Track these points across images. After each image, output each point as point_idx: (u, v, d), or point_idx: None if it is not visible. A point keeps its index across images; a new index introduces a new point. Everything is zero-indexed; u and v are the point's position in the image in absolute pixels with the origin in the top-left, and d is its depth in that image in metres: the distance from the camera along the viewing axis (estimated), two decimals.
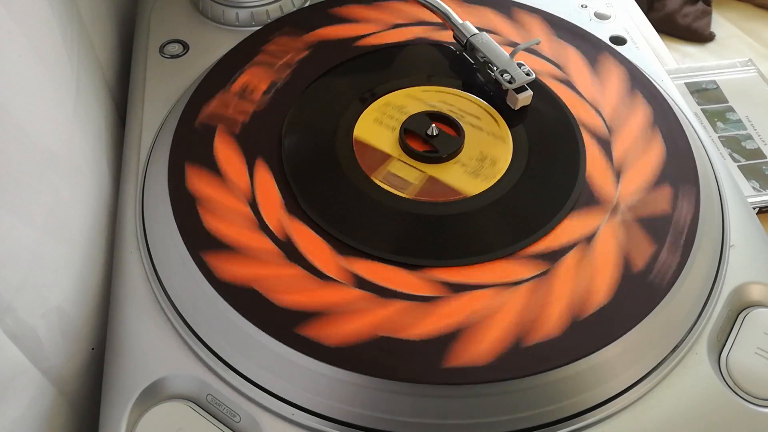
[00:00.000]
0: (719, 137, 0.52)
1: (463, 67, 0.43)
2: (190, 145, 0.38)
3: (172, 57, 0.45)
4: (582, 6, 0.49)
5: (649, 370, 0.31)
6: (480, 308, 0.31)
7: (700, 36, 0.67)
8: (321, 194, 0.36)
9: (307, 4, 0.49)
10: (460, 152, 0.38)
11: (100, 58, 0.43)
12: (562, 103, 0.40)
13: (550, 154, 0.38)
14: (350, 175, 0.37)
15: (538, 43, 0.43)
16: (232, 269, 0.32)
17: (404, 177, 0.37)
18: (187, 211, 0.35)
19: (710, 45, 0.67)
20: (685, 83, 0.56)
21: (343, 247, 0.34)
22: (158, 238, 0.35)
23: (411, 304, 0.31)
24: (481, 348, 0.30)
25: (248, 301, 0.31)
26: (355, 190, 0.36)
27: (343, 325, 0.30)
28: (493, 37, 0.42)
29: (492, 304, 0.31)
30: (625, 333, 0.30)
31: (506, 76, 0.40)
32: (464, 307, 0.31)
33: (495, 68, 0.40)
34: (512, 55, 0.41)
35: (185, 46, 0.45)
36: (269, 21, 0.47)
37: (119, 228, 0.36)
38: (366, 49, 0.44)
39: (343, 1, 0.47)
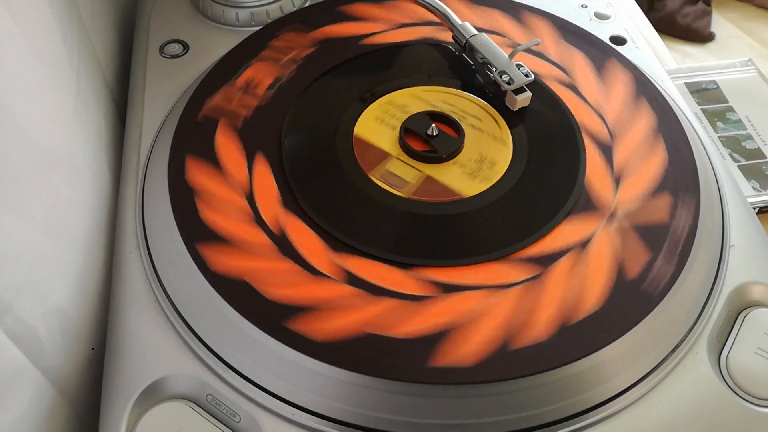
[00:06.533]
0: (719, 137, 0.52)
1: (464, 67, 0.43)
2: (190, 145, 0.38)
3: (172, 57, 0.45)
4: (582, 6, 0.49)
5: (649, 370, 0.31)
6: (479, 308, 0.31)
7: (700, 36, 0.67)
8: (318, 190, 0.36)
9: (307, 4, 0.49)
10: (459, 153, 0.38)
11: (100, 58, 0.43)
12: (563, 105, 0.40)
13: (550, 157, 0.38)
14: (348, 173, 0.37)
15: (537, 44, 0.43)
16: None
17: (402, 176, 0.37)
18: (186, 211, 0.35)
19: (710, 45, 0.67)
20: (685, 83, 0.56)
21: (337, 243, 0.34)
22: (158, 238, 0.35)
23: (407, 302, 0.31)
24: (480, 348, 0.30)
25: (249, 301, 0.31)
26: (351, 187, 0.36)
27: (344, 325, 0.31)
28: (497, 39, 0.42)
29: (492, 304, 0.31)
30: (625, 333, 0.30)
31: (505, 77, 0.40)
32: (464, 306, 0.31)
33: (494, 69, 0.40)
34: (511, 56, 0.41)
35: (185, 46, 0.45)
36: (269, 21, 0.47)
37: (119, 228, 0.36)
38: (369, 48, 0.44)
39: (345, 1, 0.47)
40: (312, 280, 0.32)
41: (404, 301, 0.32)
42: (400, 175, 0.37)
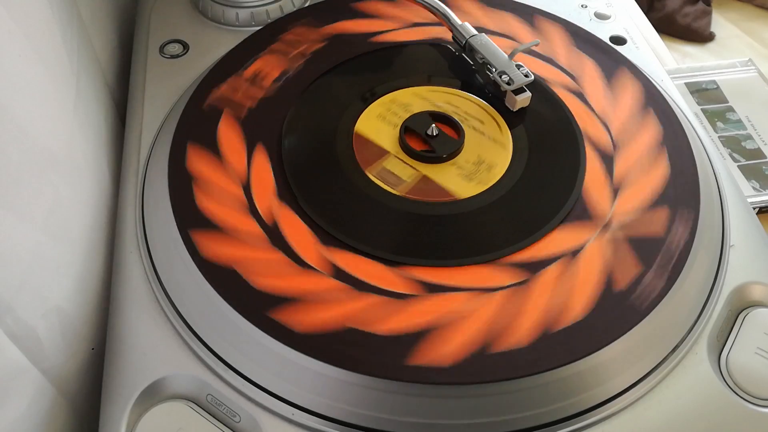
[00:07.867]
0: (719, 137, 0.52)
1: (465, 67, 0.43)
2: (191, 146, 0.38)
3: (172, 57, 0.45)
4: (582, 6, 0.49)
5: (649, 370, 0.31)
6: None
7: (700, 36, 0.67)
8: (314, 184, 0.36)
9: (306, 4, 0.49)
10: (458, 154, 0.38)
11: (100, 58, 0.43)
12: (564, 107, 0.40)
13: (549, 163, 0.38)
14: (345, 168, 0.37)
15: (537, 44, 0.43)
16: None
17: (398, 174, 0.37)
18: (187, 212, 0.35)
19: (710, 45, 0.67)
20: (685, 83, 0.56)
21: (329, 238, 0.34)
22: (158, 238, 0.35)
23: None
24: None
25: (248, 302, 0.31)
26: (346, 183, 0.36)
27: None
28: (507, 43, 0.42)
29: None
30: (625, 333, 0.30)
31: (505, 78, 0.40)
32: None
33: (494, 69, 0.40)
34: (511, 56, 0.41)
35: (185, 46, 0.45)
36: (269, 21, 0.47)
37: (119, 228, 0.36)
38: (372, 47, 0.44)
39: (344, 2, 0.47)
40: (300, 272, 0.32)
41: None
42: (397, 174, 0.37)
